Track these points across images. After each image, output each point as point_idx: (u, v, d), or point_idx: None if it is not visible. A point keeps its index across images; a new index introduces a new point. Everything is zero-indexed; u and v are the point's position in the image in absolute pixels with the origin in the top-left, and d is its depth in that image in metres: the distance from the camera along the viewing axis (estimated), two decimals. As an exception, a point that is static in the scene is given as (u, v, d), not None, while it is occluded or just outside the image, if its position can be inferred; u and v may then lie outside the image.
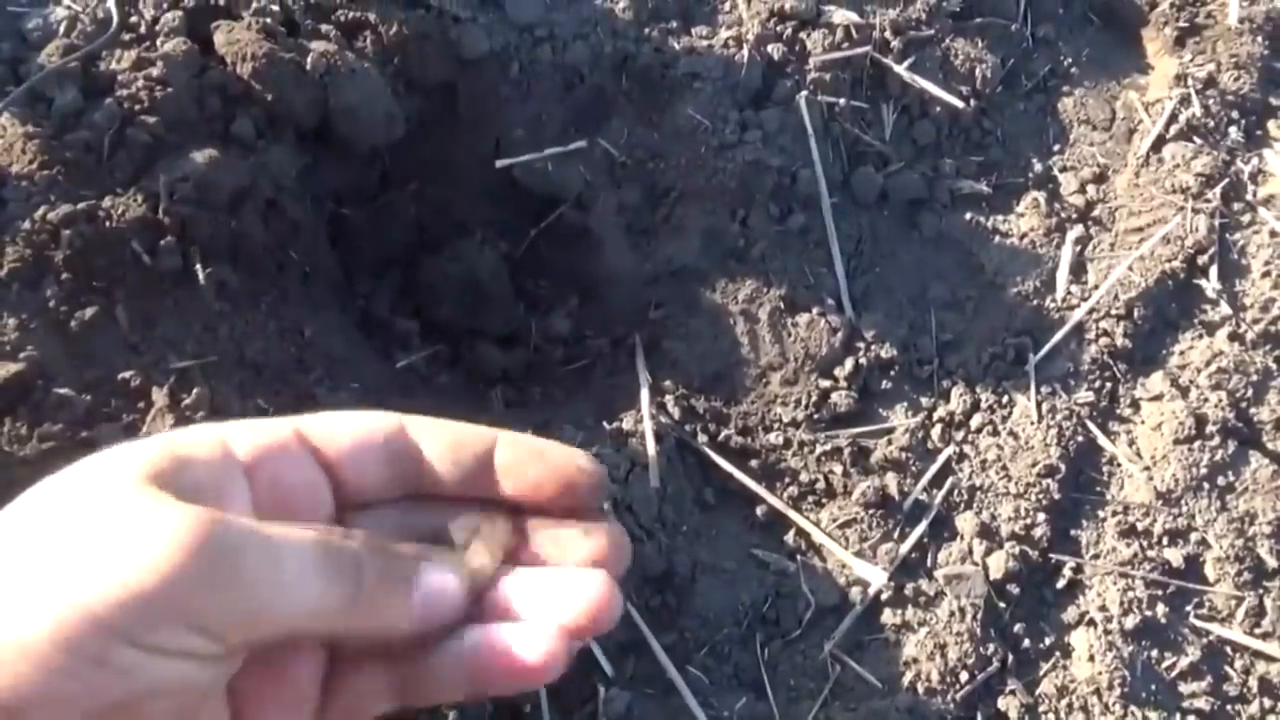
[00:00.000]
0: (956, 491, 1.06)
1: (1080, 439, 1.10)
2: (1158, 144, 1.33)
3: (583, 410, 1.09)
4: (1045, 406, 1.12)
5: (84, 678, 0.41)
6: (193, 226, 0.96)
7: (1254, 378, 1.14)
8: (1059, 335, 1.16)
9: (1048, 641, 0.99)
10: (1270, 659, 1.00)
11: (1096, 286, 1.20)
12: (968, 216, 1.26)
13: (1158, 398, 1.13)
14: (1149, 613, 1.00)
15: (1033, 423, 1.10)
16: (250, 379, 0.96)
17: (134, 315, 0.93)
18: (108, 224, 0.93)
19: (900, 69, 1.29)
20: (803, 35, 1.28)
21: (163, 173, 0.97)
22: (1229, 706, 0.98)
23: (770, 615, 0.99)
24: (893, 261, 1.22)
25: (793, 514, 1.04)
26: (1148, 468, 1.09)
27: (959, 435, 1.11)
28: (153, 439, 0.48)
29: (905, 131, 1.30)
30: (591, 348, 1.17)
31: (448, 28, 1.18)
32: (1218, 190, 1.27)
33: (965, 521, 1.04)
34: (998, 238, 1.24)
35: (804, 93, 1.24)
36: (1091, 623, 0.99)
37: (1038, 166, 1.32)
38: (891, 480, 1.05)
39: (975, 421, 1.11)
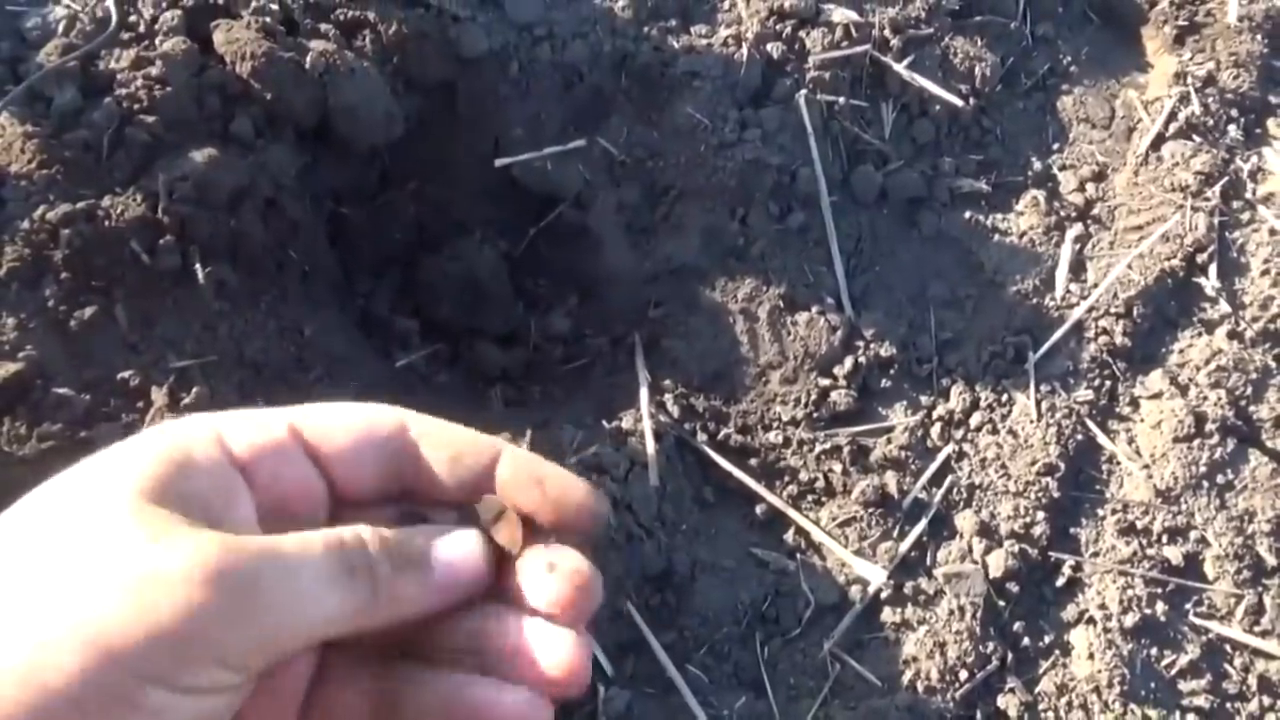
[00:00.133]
0: (956, 490, 1.06)
1: (1080, 437, 1.10)
2: (1157, 142, 1.32)
3: (582, 409, 1.09)
4: (1045, 405, 1.12)
5: None
6: (192, 226, 0.96)
7: (1253, 376, 1.14)
8: (1058, 334, 1.16)
9: (1047, 640, 0.99)
10: (1269, 657, 1.00)
11: (1096, 285, 1.20)
12: (967, 215, 1.26)
13: (1157, 396, 1.13)
14: (1148, 611, 1.00)
15: (1032, 421, 1.10)
16: (250, 378, 0.96)
17: (133, 314, 0.93)
18: (107, 223, 0.93)
19: (900, 67, 1.29)
20: (802, 34, 1.28)
21: (162, 172, 0.97)
22: (1228, 704, 0.98)
23: (770, 614, 0.99)
24: (892, 260, 1.22)
25: (792, 513, 1.04)
26: (1147, 466, 1.09)
27: (958, 434, 1.10)
28: (148, 441, 0.47)
29: (905, 130, 1.30)
30: (591, 346, 1.17)
31: (447, 27, 1.18)
32: (1217, 188, 1.27)
33: (965, 520, 1.04)
34: (997, 236, 1.24)
35: (803, 91, 1.24)
36: (1091, 621, 0.99)
37: (1037, 165, 1.32)
38: (891, 479, 1.05)
39: (975, 420, 1.11)
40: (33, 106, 1.00)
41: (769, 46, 1.25)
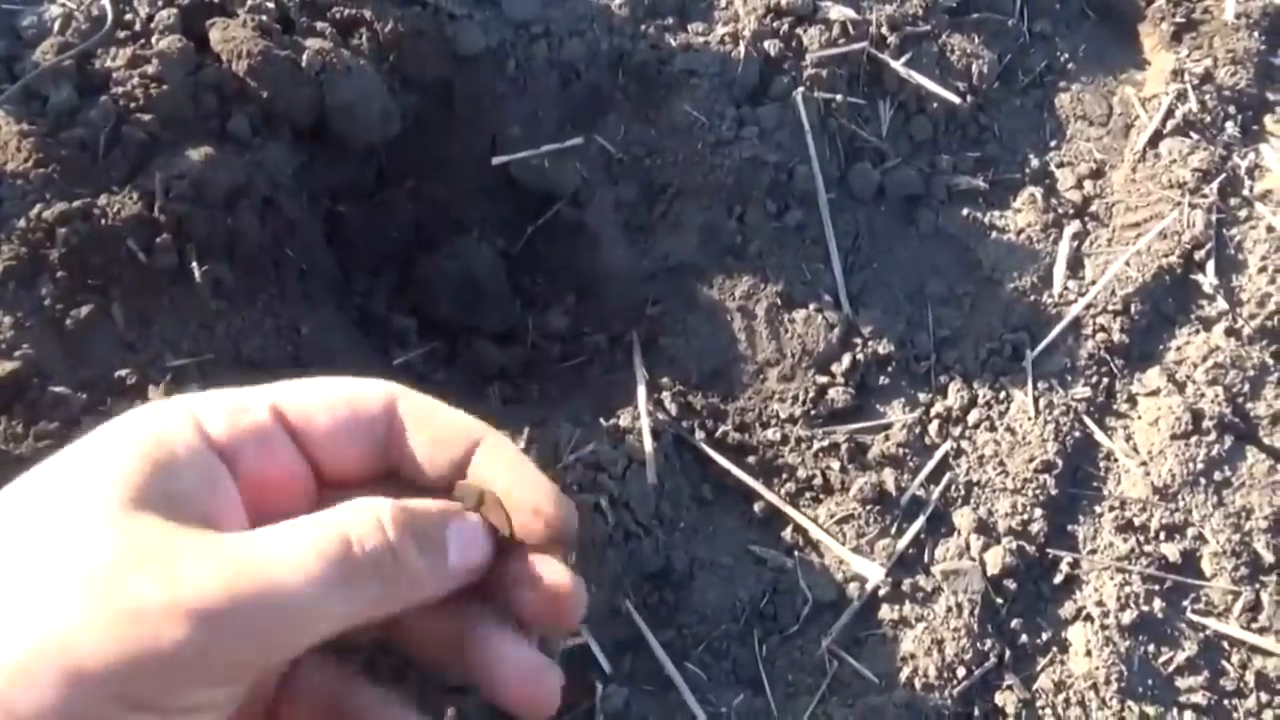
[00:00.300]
0: (954, 487, 1.06)
1: (1077, 434, 1.10)
2: (1154, 139, 1.33)
3: (580, 407, 1.09)
4: (1042, 402, 1.12)
5: None
6: (189, 224, 0.96)
7: (1250, 373, 1.14)
8: (1056, 331, 1.16)
9: (1045, 637, 0.99)
10: (1267, 653, 1.00)
11: (1093, 282, 1.20)
12: (965, 212, 1.26)
13: (1154, 393, 1.13)
14: (1146, 608, 1.00)
15: (1030, 418, 1.10)
16: (247, 377, 0.95)
17: (130, 313, 0.93)
18: (103, 222, 0.93)
19: (897, 65, 1.29)
20: (799, 31, 1.27)
21: (158, 170, 0.97)
22: (1226, 701, 0.98)
23: (768, 611, 0.99)
24: (890, 258, 1.22)
25: (790, 510, 1.04)
26: (1144, 463, 1.09)
27: (956, 431, 1.11)
28: (124, 436, 0.44)
29: (902, 127, 1.30)
30: (589, 344, 1.17)
31: (443, 24, 1.18)
32: (1214, 185, 1.27)
33: (962, 517, 1.04)
34: (995, 233, 1.24)
35: (801, 89, 1.23)
36: (1089, 618, 0.99)
37: (1035, 162, 1.32)
38: (889, 476, 1.05)
39: (972, 417, 1.11)
40: (28, 105, 1.00)
41: (766, 44, 1.25)
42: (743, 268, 1.17)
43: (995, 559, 1.01)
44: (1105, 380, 1.15)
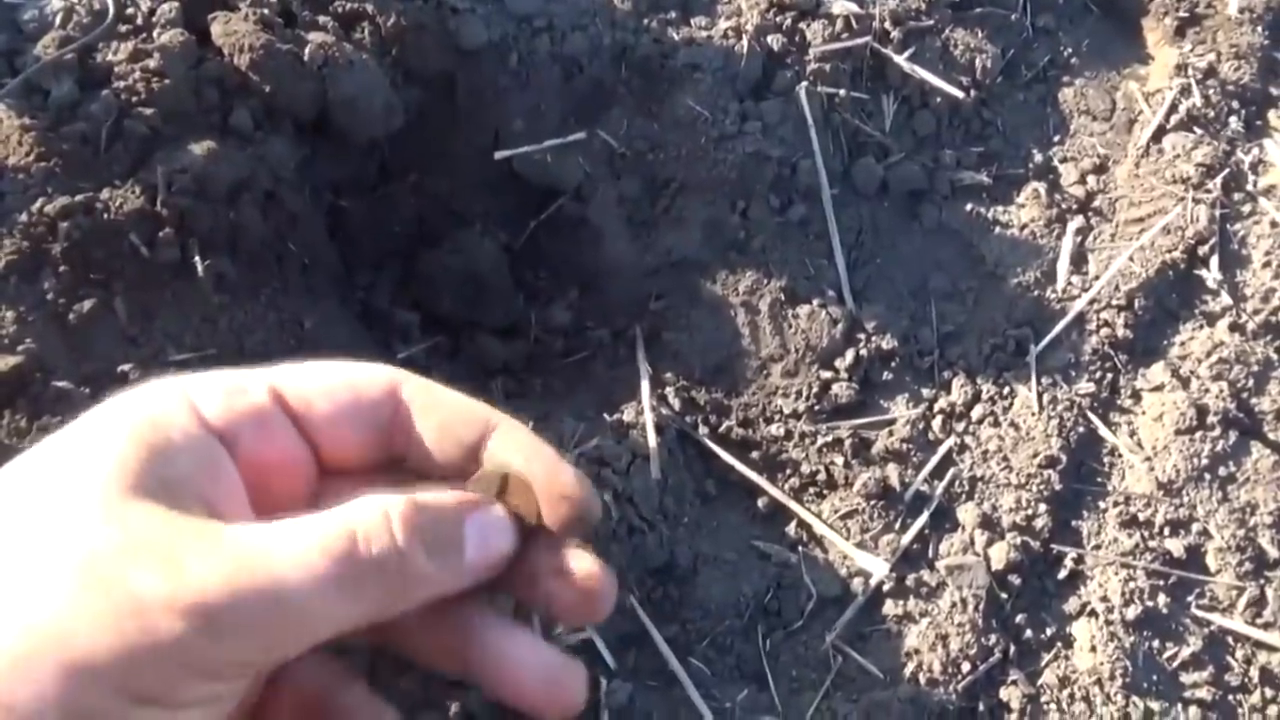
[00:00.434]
0: (958, 482, 1.06)
1: (1081, 430, 1.10)
2: (1158, 134, 1.32)
3: (583, 402, 1.09)
4: (1046, 397, 1.11)
5: None
6: (191, 218, 0.96)
7: (1255, 368, 1.14)
8: (1060, 326, 1.16)
9: (1049, 632, 0.99)
10: (1272, 649, 1.00)
11: (1097, 277, 1.20)
12: (968, 207, 1.25)
13: (1159, 388, 1.13)
14: (1150, 603, 1.00)
15: (1034, 414, 1.10)
16: (250, 371, 0.95)
17: (133, 308, 0.93)
18: (105, 216, 0.92)
19: (900, 59, 1.28)
20: (802, 26, 1.27)
21: (160, 165, 0.96)
22: (1230, 696, 0.98)
23: (772, 606, 0.98)
24: (893, 253, 1.22)
25: (794, 505, 1.04)
26: (1149, 458, 1.09)
27: (960, 426, 1.10)
28: (118, 420, 0.43)
29: (905, 122, 1.30)
30: (592, 339, 1.17)
31: (446, 18, 1.18)
32: (1218, 180, 1.27)
33: (966, 512, 1.04)
34: (998, 229, 1.24)
35: (804, 83, 1.23)
36: (1093, 613, 0.99)
37: (1038, 157, 1.32)
38: (893, 471, 1.05)
39: (976, 412, 1.11)
40: (30, 99, 0.99)
41: (769, 38, 1.25)
42: (746, 263, 1.17)
43: (999, 554, 1.00)
44: (1109, 376, 1.15)
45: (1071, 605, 1.01)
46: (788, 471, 1.07)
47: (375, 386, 0.49)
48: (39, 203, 0.91)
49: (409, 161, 1.21)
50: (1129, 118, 1.36)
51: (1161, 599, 1.00)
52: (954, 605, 0.98)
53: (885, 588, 0.99)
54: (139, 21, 1.06)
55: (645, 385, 1.07)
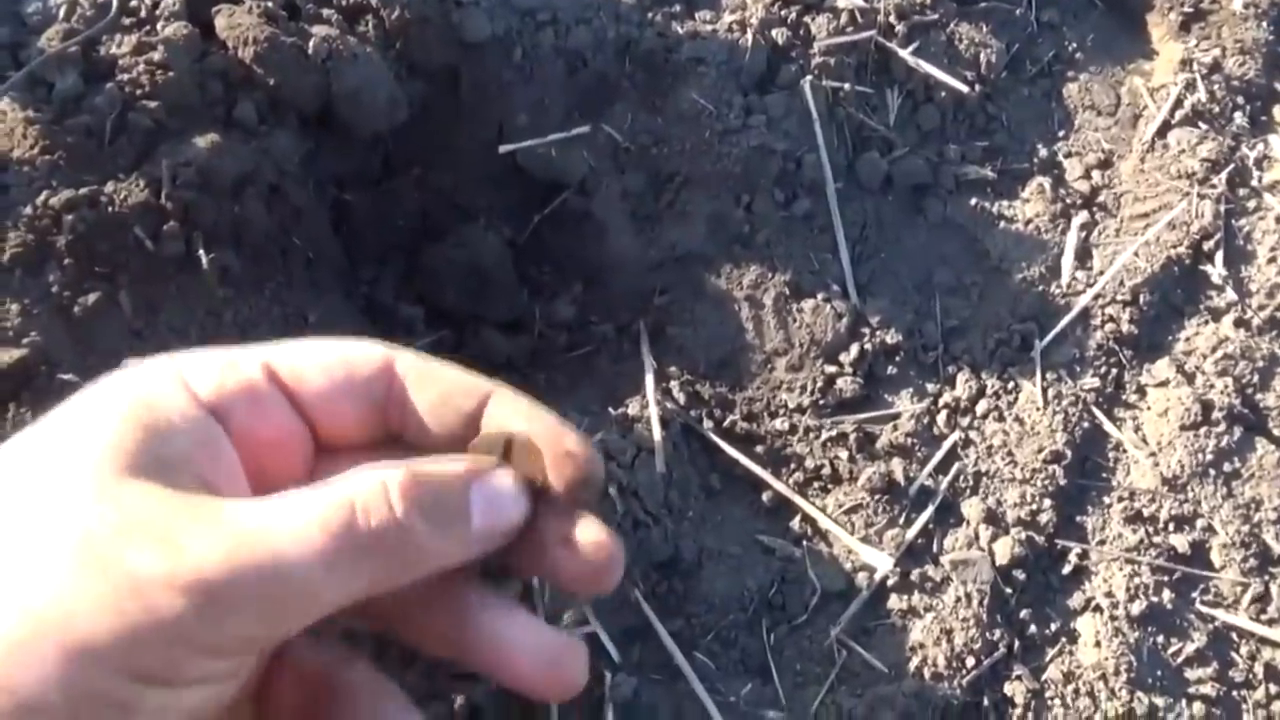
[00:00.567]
0: (962, 477, 1.06)
1: (1086, 425, 1.10)
2: (1163, 129, 1.32)
3: (588, 396, 1.09)
4: (1051, 392, 1.11)
5: None
6: (195, 212, 0.96)
7: (1260, 363, 1.13)
8: (1064, 321, 1.16)
9: (1054, 627, 0.99)
10: (1276, 645, 1.00)
11: (1102, 272, 1.20)
12: (973, 202, 1.25)
13: (1163, 384, 1.13)
14: (1155, 599, 1.00)
15: (1038, 409, 1.10)
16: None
17: (137, 301, 0.92)
18: (110, 209, 0.92)
19: (905, 53, 1.28)
20: (807, 19, 1.27)
21: (165, 158, 0.96)
22: (1234, 692, 0.98)
23: (776, 601, 0.98)
24: (897, 247, 1.22)
25: (799, 500, 1.04)
26: (1153, 454, 1.08)
27: (965, 421, 1.10)
28: (110, 401, 0.42)
29: (910, 116, 1.30)
30: (596, 334, 1.17)
31: (450, 11, 1.17)
32: (1223, 176, 1.26)
33: (971, 507, 1.04)
34: (1003, 223, 1.24)
35: (808, 77, 1.23)
36: (1098, 608, 0.99)
37: (1043, 152, 1.32)
38: (897, 466, 1.05)
39: (981, 407, 1.11)
40: (34, 92, 0.99)
41: (774, 32, 1.25)
42: (750, 257, 1.17)
43: (1004, 549, 1.00)
44: (1114, 371, 1.15)
45: (1076, 600, 1.01)
46: (792, 466, 1.07)
47: (369, 362, 0.48)
48: (44, 195, 0.91)
49: (413, 155, 1.21)
50: (1134, 113, 1.36)
51: (1166, 595, 1.00)
52: (958, 600, 0.98)
53: (890, 582, 0.99)
54: (143, 14, 1.06)
55: (650, 379, 1.07)
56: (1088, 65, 1.40)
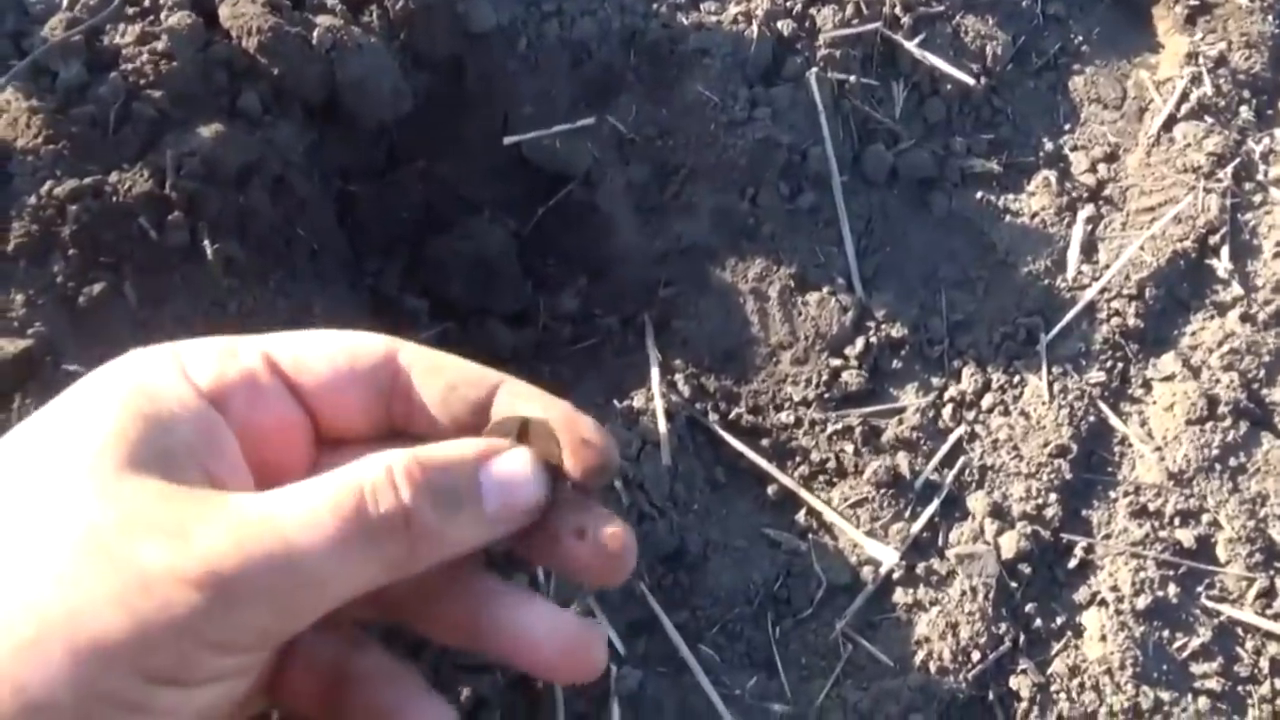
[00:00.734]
0: (968, 471, 1.06)
1: (1091, 419, 1.10)
2: (1169, 123, 1.32)
3: (593, 388, 1.09)
4: (1056, 386, 1.11)
5: None
6: (200, 202, 0.95)
7: (1266, 358, 1.13)
8: (1070, 315, 1.16)
9: (1059, 621, 0.99)
10: (1281, 639, 1.00)
11: (1108, 266, 1.20)
12: (978, 195, 1.25)
13: (1169, 378, 1.13)
14: (1160, 593, 1.00)
15: (1044, 403, 1.10)
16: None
17: (142, 291, 0.92)
18: (114, 199, 0.92)
19: (911, 46, 1.27)
20: (812, 11, 1.26)
21: (169, 148, 0.96)
22: (1240, 687, 0.98)
23: (782, 594, 0.98)
24: (903, 241, 1.22)
25: (804, 493, 1.03)
26: (1159, 448, 1.08)
27: (970, 415, 1.10)
28: (109, 391, 0.41)
29: (916, 109, 1.29)
30: (601, 326, 1.16)
31: (454, 1, 1.17)
32: (1229, 170, 1.26)
33: (977, 501, 1.04)
34: (1008, 217, 1.24)
35: (814, 69, 1.22)
36: (1103, 603, 0.99)
37: (1048, 145, 1.31)
38: (903, 460, 1.05)
39: (986, 401, 1.11)
40: (37, 81, 0.98)
41: (779, 24, 1.24)
42: (755, 250, 1.16)
43: (1009, 543, 1.00)
44: (1120, 365, 1.14)
45: (1081, 595, 1.00)
46: (797, 459, 1.06)
47: (372, 352, 0.48)
48: (48, 185, 0.91)
49: (417, 146, 1.21)
50: (1140, 106, 1.36)
51: (1171, 589, 1.00)
52: (964, 594, 0.98)
53: (895, 576, 0.99)
54: (146, 3, 1.05)
55: (655, 372, 1.07)
56: (1094, 58, 1.40)
